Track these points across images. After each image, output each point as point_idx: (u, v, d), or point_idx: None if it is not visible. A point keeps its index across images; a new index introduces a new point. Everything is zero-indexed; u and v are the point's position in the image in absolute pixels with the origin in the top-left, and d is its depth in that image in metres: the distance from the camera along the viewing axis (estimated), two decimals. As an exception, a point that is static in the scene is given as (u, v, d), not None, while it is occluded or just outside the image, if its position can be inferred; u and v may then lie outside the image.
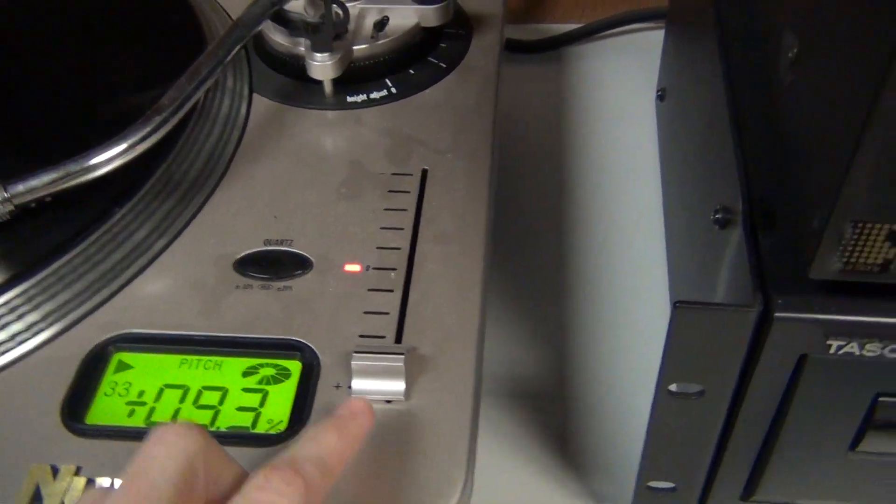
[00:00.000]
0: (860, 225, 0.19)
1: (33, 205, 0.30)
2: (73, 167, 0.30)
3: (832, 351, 0.22)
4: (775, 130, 0.25)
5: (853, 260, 0.20)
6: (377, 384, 0.27)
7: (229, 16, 0.42)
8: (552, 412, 0.36)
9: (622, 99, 0.52)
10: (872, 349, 0.22)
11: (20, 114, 0.35)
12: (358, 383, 0.27)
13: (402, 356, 0.27)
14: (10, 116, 0.35)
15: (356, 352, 0.27)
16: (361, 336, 0.29)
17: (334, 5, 0.35)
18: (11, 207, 0.29)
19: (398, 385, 0.27)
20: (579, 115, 0.51)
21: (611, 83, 0.53)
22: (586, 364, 0.38)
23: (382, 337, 0.29)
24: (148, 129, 0.31)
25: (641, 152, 0.48)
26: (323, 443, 0.23)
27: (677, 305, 0.22)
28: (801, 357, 0.23)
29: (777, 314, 0.22)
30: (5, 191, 0.29)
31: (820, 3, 0.22)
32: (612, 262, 0.42)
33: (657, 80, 0.49)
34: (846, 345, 0.22)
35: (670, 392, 0.25)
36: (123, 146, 0.30)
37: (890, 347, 0.22)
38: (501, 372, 0.38)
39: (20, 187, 0.29)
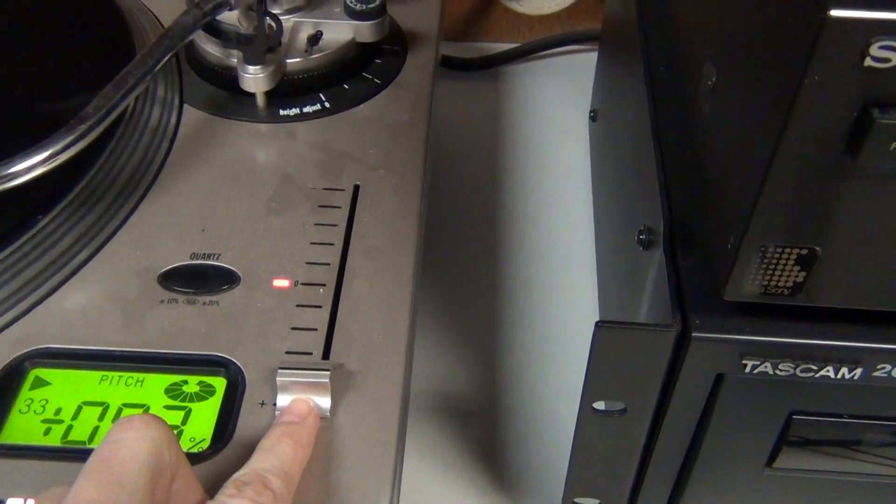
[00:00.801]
0: (770, 249, 0.20)
1: (-51, 213, 0.29)
2: (-8, 175, 0.29)
3: (747, 370, 0.23)
4: (694, 155, 0.26)
5: (765, 283, 0.21)
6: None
7: (161, 24, 0.41)
8: (481, 427, 0.37)
9: (556, 118, 0.53)
10: (785, 369, 0.23)
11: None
12: (283, 399, 0.27)
13: (328, 372, 0.27)
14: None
15: (281, 368, 0.27)
16: (288, 353, 0.28)
17: (267, 18, 0.35)
18: (-76, 216, 0.28)
19: (324, 401, 0.27)
20: (514, 133, 0.52)
21: (545, 102, 0.54)
22: (516, 380, 0.39)
23: (310, 353, 0.28)
24: (71, 137, 0.30)
25: (574, 171, 0.48)
26: (281, 454, 0.24)
27: (598, 325, 0.23)
28: (719, 376, 0.24)
29: (694, 334, 0.23)
30: (-83, 199, 0.28)
31: (736, 35, 0.22)
32: (543, 279, 0.43)
33: (590, 100, 0.50)
34: (760, 364, 0.23)
35: (593, 409, 0.25)
36: (45, 154, 0.29)
37: (802, 367, 0.23)
38: (430, 387, 0.38)
39: (-66, 195, 0.28)
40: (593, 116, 0.47)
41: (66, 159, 0.30)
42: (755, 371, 0.23)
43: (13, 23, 0.39)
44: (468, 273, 0.43)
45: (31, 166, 0.29)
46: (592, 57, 0.56)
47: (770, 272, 0.20)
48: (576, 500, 0.29)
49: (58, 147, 0.30)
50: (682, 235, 0.25)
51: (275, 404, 0.27)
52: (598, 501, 0.29)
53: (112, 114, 0.31)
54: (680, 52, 0.29)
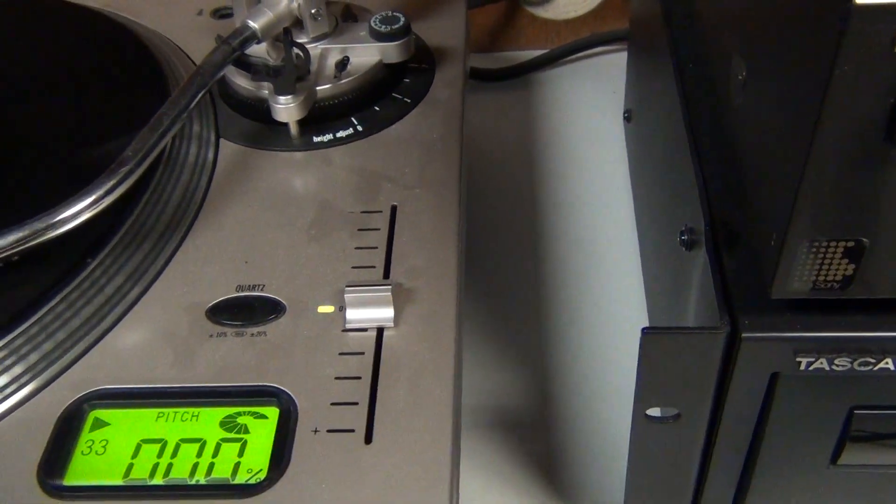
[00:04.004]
0: (816, 244, 0.20)
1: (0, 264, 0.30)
2: (38, 224, 0.29)
3: (802, 368, 0.23)
4: (730, 152, 0.26)
5: (813, 278, 0.20)
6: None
7: (193, 62, 0.42)
8: (533, 439, 0.36)
9: (590, 121, 0.52)
10: (842, 364, 0.23)
11: (25, 163, 0.35)
12: (351, 314, 0.30)
13: (390, 287, 0.29)
14: (19, 164, 0.35)
15: (348, 285, 0.30)
16: (337, 378, 0.28)
17: (294, 48, 0.36)
18: (-23, 269, 0.29)
19: (387, 312, 0.29)
20: (548, 138, 0.51)
21: (578, 106, 0.53)
22: (565, 389, 0.38)
23: (358, 378, 0.28)
24: (113, 181, 0.30)
25: (612, 173, 0.48)
26: None
27: (645, 332, 0.22)
28: (773, 375, 0.23)
29: (744, 335, 0.22)
30: (-30, 253, 0.29)
31: (764, 28, 0.22)
32: (587, 284, 0.42)
33: (623, 101, 0.49)
34: (815, 361, 0.22)
35: (647, 417, 0.25)
36: (89, 200, 0.30)
37: (859, 361, 0.22)
38: (479, 403, 0.38)
39: (-15, 248, 0.29)
40: (627, 117, 0.47)
41: (109, 203, 0.30)
42: (811, 368, 0.22)
43: (46, 71, 0.40)
44: (511, 284, 0.43)
45: (76, 212, 0.30)
46: (622, 57, 0.55)
47: (818, 267, 0.20)
48: (636, 508, 0.29)
49: (101, 192, 0.30)
50: (725, 234, 0.25)
51: (328, 431, 0.27)
52: (660, 508, 0.29)
53: (150, 156, 0.32)
54: (707, 47, 0.29)
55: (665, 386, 0.24)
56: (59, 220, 0.30)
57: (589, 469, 0.35)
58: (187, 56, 0.43)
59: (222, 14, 0.46)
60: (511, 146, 0.51)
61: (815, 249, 0.20)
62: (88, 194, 0.30)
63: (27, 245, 0.29)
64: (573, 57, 0.56)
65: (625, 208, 0.46)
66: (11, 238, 0.29)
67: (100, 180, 0.30)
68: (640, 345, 0.23)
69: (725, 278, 0.23)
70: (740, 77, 0.24)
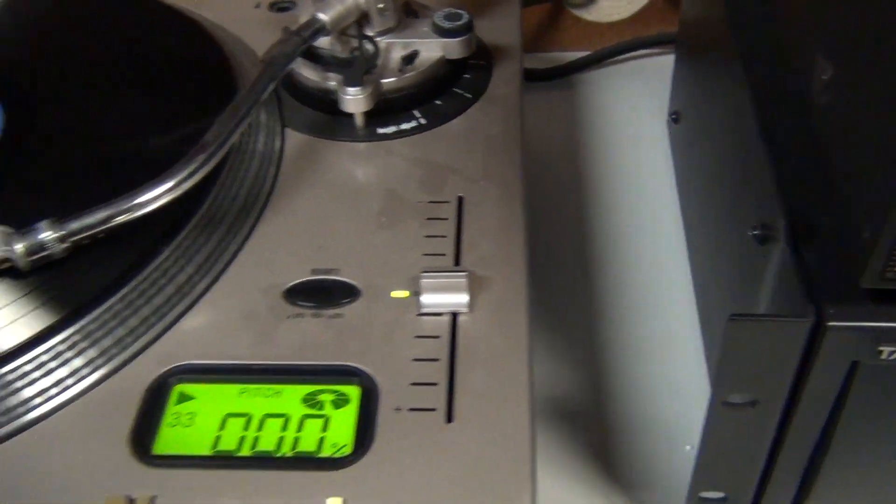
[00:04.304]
0: (914, 235, 0.20)
1: (86, 242, 0.31)
2: (124, 204, 0.30)
3: (883, 357, 0.23)
4: (811, 149, 0.27)
5: (906, 268, 0.21)
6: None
7: (254, 53, 0.43)
8: (592, 430, 0.37)
9: (632, 121, 0.53)
10: (921, 354, 0.23)
11: (64, 158, 0.36)
12: (426, 299, 0.30)
13: (466, 273, 0.30)
14: (55, 161, 0.36)
15: (424, 271, 0.31)
16: (415, 360, 0.29)
17: (365, 41, 0.37)
18: (67, 245, 0.30)
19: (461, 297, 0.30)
20: (592, 137, 0.52)
21: (620, 106, 0.54)
22: (618, 382, 0.39)
23: (436, 360, 0.29)
24: (194, 165, 0.31)
25: (655, 172, 0.49)
26: None
27: (732, 319, 0.23)
28: (853, 364, 0.24)
29: (830, 323, 0.23)
30: (62, 228, 0.30)
31: (855, 29, 0.23)
32: (636, 279, 0.43)
33: (668, 103, 0.50)
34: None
35: (724, 403, 0.26)
36: (171, 183, 0.31)
37: (937, 352, 0.23)
38: (538, 393, 0.39)
39: (75, 225, 0.30)
40: (675, 118, 0.47)
41: (191, 185, 0.31)
42: (892, 357, 0.23)
43: (120, 61, 0.41)
44: (559, 278, 0.44)
45: (160, 194, 0.31)
46: (663, 60, 0.56)
47: (912, 257, 0.21)
48: (702, 493, 0.30)
49: (183, 174, 0.31)
50: (804, 229, 0.26)
51: (409, 409, 0.28)
52: (724, 495, 0.30)
53: (230, 140, 0.33)
54: (781, 49, 0.30)
55: (745, 373, 0.25)
56: (145, 201, 0.30)
57: (642, 457, 0.36)
58: (249, 47, 0.44)
59: (280, 7, 0.47)
60: (555, 143, 0.52)
61: (910, 240, 0.20)
62: (171, 177, 0.31)
63: (114, 223, 0.30)
64: (616, 59, 0.57)
65: (668, 206, 0.47)
66: (100, 216, 0.30)
67: (181, 164, 0.31)
68: (725, 331, 0.24)
69: (808, 270, 0.24)
70: (824, 77, 0.25)
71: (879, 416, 0.26)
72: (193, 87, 0.39)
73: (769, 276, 0.27)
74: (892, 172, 0.20)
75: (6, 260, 0.29)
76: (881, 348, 0.23)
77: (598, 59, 0.57)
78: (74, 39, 0.42)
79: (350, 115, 0.38)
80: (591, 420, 0.38)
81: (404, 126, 0.39)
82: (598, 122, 0.53)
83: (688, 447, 0.36)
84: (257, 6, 0.47)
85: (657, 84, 0.54)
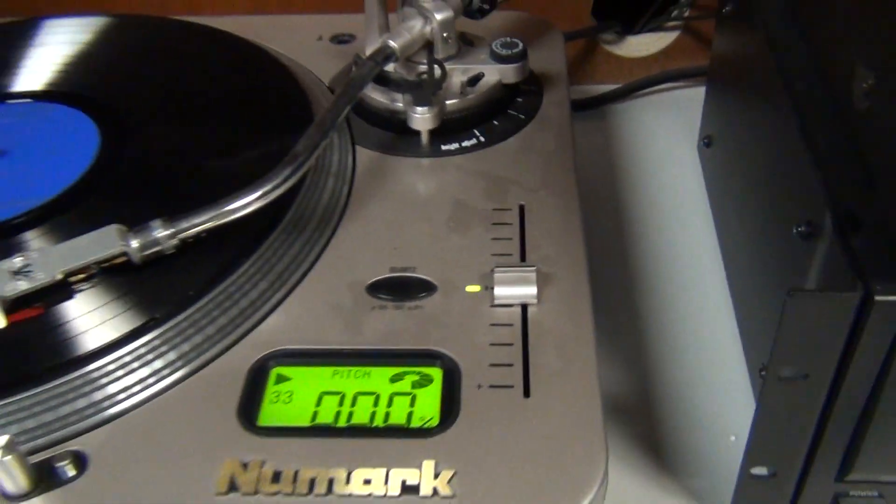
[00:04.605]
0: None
1: (191, 240, 0.34)
2: (227, 205, 0.34)
3: (924, 329, 0.26)
4: (852, 151, 0.30)
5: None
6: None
7: (321, 80, 0.47)
8: (642, 424, 0.40)
9: (662, 147, 0.56)
10: (956, 327, 0.26)
11: (153, 173, 0.39)
12: (499, 291, 0.33)
13: (534, 268, 0.34)
14: (164, 174, 0.39)
15: (497, 266, 0.34)
16: (491, 344, 0.32)
17: (435, 65, 0.40)
18: (176, 241, 0.33)
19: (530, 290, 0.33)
20: (626, 163, 0.56)
21: (650, 134, 0.58)
22: (665, 380, 0.42)
23: (510, 344, 0.32)
24: (289, 170, 0.35)
25: (688, 191, 0.52)
26: None
27: (791, 294, 0.26)
28: (895, 338, 0.27)
29: (877, 298, 0.26)
30: (172, 226, 0.33)
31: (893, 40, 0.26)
32: (676, 288, 0.46)
33: (699, 129, 0.54)
34: (936, 322, 0.26)
35: (779, 378, 0.29)
36: (269, 186, 0.34)
37: (972, 325, 0.26)
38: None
39: (184, 223, 0.33)
40: (707, 143, 0.51)
41: (285, 189, 0.35)
42: (931, 329, 0.26)
43: (206, 90, 0.45)
44: (605, 290, 0.47)
45: (260, 196, 0.34)
46: (689, 92, 0.60)
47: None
48: (753, 470, 0.32)
49: (279, 179, 0.34)
50: (848, 221, 0.29)
51: (490, 386, 0.31)
52: (774, 471, 0.32)
53: (318, 149, 0.36)
54: (820, 63, 0.33)
55: (799, 347, 0.28)
56: (247, 203, 0.34)
57: (691, 449, 0.39)
58: (315, 74, 0.47)
59: (340, 40, 0.51)
60: (592, 166, 0.55)
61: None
62: (269, 181, 0.34)
63: (220, 222, 0.33)
64: (644, 91, 0.61)
65: (701, 219, 0.50)
66: (207, 215, 0.33)
67: (278, 169, 0.35)
68: (784, 307, 0.26)
69: (855, 254, 0.27)
70: (865, 85, 0.28)
71: (920, 388, 0.28)
72: (270, 110, 0.43)
73: (815, 266, 0.30)
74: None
75: (123, 254, 0.33)
76: (922, 320, 0.26)
77: (629, 92, 0.61)
78: (165, 69, 0.46)
79: (415, 133, 0.42)
80: (641, 415, 0.40)
81: (465, 143, 0.42)
82: (631, 148, 0.57)
83: (732, 438, 0.39)
84: (319, 39, 0.51)
85: (684, 114, 0.58)
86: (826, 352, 0.28)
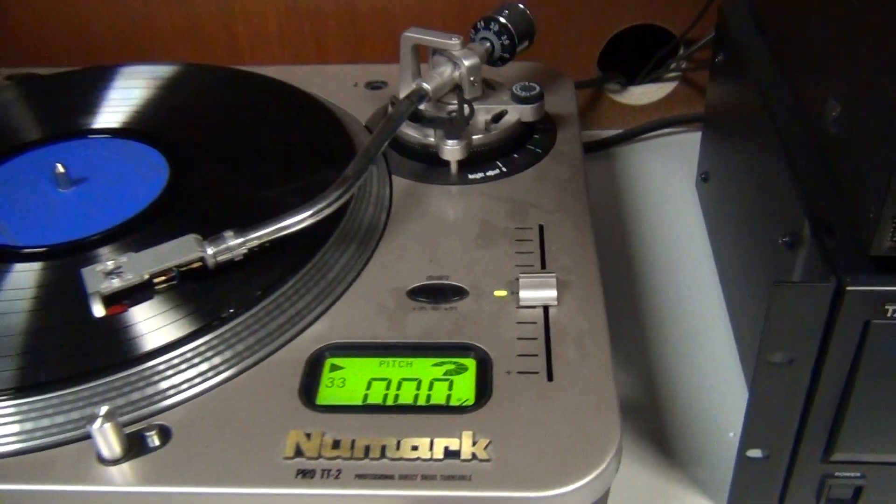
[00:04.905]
0: (902, 211, 0.29)
1: (257, 249, 0.39)
2: (291, 218, 0.39)
3: (889, 315, 0.31)
4: (825, 170, 0.35)
5: (899, 239, 0.29)
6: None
7: (359, 121, 0.52)
8: (649, 421, 0.44)
9: (663, 186, 0.62)
10: (920, 313, 0.31)
11: (229, 200, 0.45)
12: (524, 294, 0.38)
13: (555, 274, 0.38)
14: (223, 202, 0.44)
15: (521, 273, 0.39)
16: (518, 338, 0.37)
17: (464, 104, 0.46)
18: (245, 250, 0.38)
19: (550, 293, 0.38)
20: (629, 197, 0.61)
21: (651, 174, 0.63)
22: (669, 387, 0.46)
23: (535, 339, 0.37)
24: (342, 189, 0.40)
25: (688, 223, 0.57)
26: None
27: (775, 285, 0.31)
28: (866, 324, 0.32)
29: (848, 288, 0.31)
30: (243, 235, 0.38)
31: (857, 79, 0.32)
32: (676, 304, 0.51)
33: (697, 167, 0.59)
34: (899, 308, 0.31)
35: (768, 363, 0.33)
36: (324, 203, 0.39)
37: (932, 312, 0.31)
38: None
39: (252, 234, 0.38)
40: (704, 178, 0.56)
41: (339, 205, 0.40)
42: (895, 315, 0.31)
43: (259, 130, 0.50)
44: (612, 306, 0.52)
45: (317, 211, 0.39)
46: (686, 136, 0.66)
47: (903, 229, 0.29)
48: (748, 453, 0.37)
49: (334, 197, 0.40)
50: (823, 227, 0.34)
51: (519, 373, 0.35)
52: (768, 453, 0.36)
53: (364, 173, 0.41)
54: (799, 98, 0.39)
55: (784, 334, 0.32)
56: (306, 216, 0.39)
57: (692, 444, 0.43)
58: (353, 115, 0.53)
59: (373, 86, 0.57)
60: (598, 203, 0.60)
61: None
62: (323, 199, 0.39)
63: (284, 233, 0.38)
64: (646, 136, 0.67)
65: (698, 245, 0.55)
66: (273, 227, 0.38)
67: (332, 188, 0.40)
68: (770, 296, 0.31)
69: (828, 253, 0.32)
70: (834, 113, 0.33)
71: (891, 372, 0.33)
72: (316, 146, 0.48)
73: (798, 270, 0.35)
74: (885, 169, 0.28)
75: (200, 259, 0.38)
76: (888, 307, 0.31)
77: (632, 136, 0.66)
78: (224, 110, 0.52)
79: (445, 164, 0.47)
80: (646, 414, 0.45)
81: (489, 173, 0.47)
82: (635, 185, 0.62)
83: (731, 434, 0.43)
84: (355, 85, 0.57)
85: (682, 156, 0.63)
86: (808, 338, 0.33)
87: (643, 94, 0.68)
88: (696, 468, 0.42)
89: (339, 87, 0.56)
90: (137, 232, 0.42)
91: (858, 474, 0.37)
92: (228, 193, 0.45)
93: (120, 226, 0.42)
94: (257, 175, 0.46)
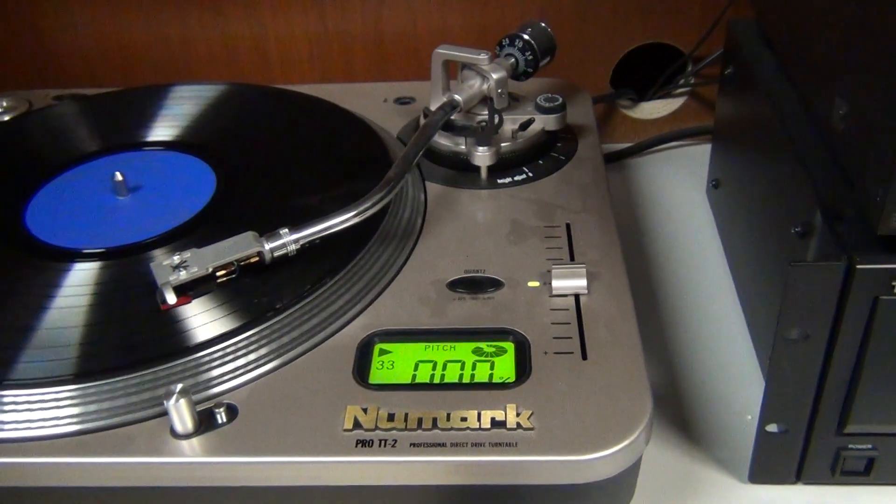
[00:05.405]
0: (907, 192, 0.32)
1: (308, 246, 0.42)
2: (339, 217, 0.42)
3: (896, 291, 0.34)
4: (834, 166, 0.38)
5: (904, 218, 0.32)
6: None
7: (398, 138, 0.56)
8: (673, 406, 0.47)
9: (674, 195, 0.65)
10: (923, 290, 0.34)
11: (273, 207, 0.48)
12: (556, 283, 0.41)
13: (584, 265, 0.41)
14: (267, 209, 0.48)
15: (554, 265, 0.42)
16: (553, 323, 0.40)
17: (495, 113, 0.49)
18: (298, 246, 0.41)
19: (581, 282, 0.41)
20: (644, 204, 0.64)
21: (663, 184, 0.66)
22: (690, 377, 0.49)
23: (568, 323, 0.40)
24: (386, 190, 0.43)
25: (700, 227, 0.60)
26: None
27: (791, 265, 0.34)
28: (875, 300, 0.35)
29: (858, 266, 0.34)
30: (297, 232, 0.41)
31: (864, 81, 0.35)
32: (691, 300, 0.54)
33: (707, 175, 0.62)
34: (905, 285, 0.34)
35: (785, 339, 0.36)
36: (370, 202, 0.42)
37: (934, 289, 0.34)
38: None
39: (305, 231, 0.41)
40: (715, 185, 0.60)
41: (383, 204, 0.43)
42: (902, 291, 0.34)
43: (303, 143, 0.54)
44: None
45: (364, 209, 0.42)
46: (696, 149, 0.70)
47: (908, 209, 0.32)
48: (767, 427, 0.39)
49: (379, 196, 0.43)
50: (834, 214, 0.37)
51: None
52: (786, 428, 0.39)
53: (405, 176, 0.45)
54: (806, 99, 0.42)
55: (800, 310, 0.35)
56: (354, 214, 0.42)
57: (714, 427, 0.46)
58: (385, 129, 0.56)
59: (402, 101, 0.60)
60: (614, 211, 0.64)
61: (906, 196, 0.32)
62: (370, 198, 0.43)
63: (334, 230, 0.42)
64: (657, 148, 0.70)
65: (711, 247, 0.58)
66: (325, 224, 0.41)
67: (376, 190, 0.43)
68: (787, 276, 0.34)
69: (839, 236, 0.35)
70: (841, 111, 0.37)
71: (898, 345, 0.36)
72: (353, 156, 0.51)
73: (810, 255, 0.38)
74: (890, 153, 0.32)
75: (258, 254, 0.41)
76: (894, 283, 0.34)
77: (644, 148, 0.70)
78: (268, 124, 0.55)
79: (475, 170, 0.50)
80: (670, 401, 0.47)
81: (517, 178, 0.51)
82: (648, 194, 0.65)
83: (748, 417, 0.46)
84: (385, 101, 0.61)
85: (692, 167, 0.67)
86: (822, 315, 0.36)
87: (654, 109, 0.71)
88: (718, 448, 0.45)
89: (370, 102, 0.60)
90: (187, 236, 0.45)
91: (870, 446, 0.40)
92: (272, 201, 0.48)
93: (172, 230, 0.46)
94: (298, 183, 0.49)
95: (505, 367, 0.38)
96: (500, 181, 0.50)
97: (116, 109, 0.57)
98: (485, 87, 0.51)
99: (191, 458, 0.35)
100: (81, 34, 0.68)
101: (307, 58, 0.68)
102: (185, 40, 0.68)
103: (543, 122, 0.52)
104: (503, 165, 0.51)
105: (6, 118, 0.59)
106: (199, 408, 0.36)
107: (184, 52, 0.68)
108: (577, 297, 0.41)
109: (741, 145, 0.53)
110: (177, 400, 0.35)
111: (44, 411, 0.36)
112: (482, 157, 0.49)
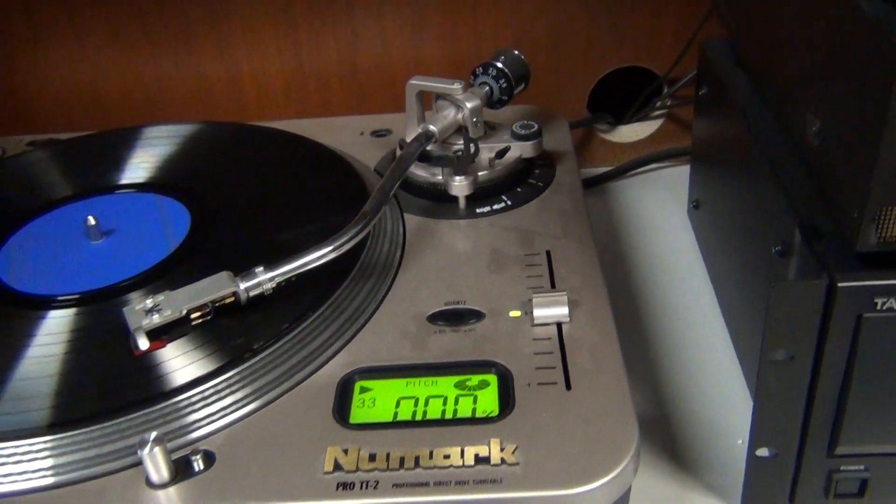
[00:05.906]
0: (884, 209, 0.31)
1: (284, 284, 0.41)
2: (315, 253, 0.41)
3: (879, 308, 0.34)
4: (810, 183, 0.38)
5: (883, 235, 0.32)
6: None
7: (375, 170, 0.55)
8: (662, 432, 0.46)
9: (654, 217, 0.65)
10: (907, 305, 0.34)
11: (249, 245, 0.47)
12: (538, 312, 0.40)
13: (565, 292, 0.40)
14: (242, 247, 0.47)
15: (535, 294, 0.41)
16: (535, 353, 0.39)
17: (471, 142, 0.49)
18: (273, 285, 0.41)
19: (563, 310, 0.40)
20: (624, 227, 0.64)
21: (643, 206, 0.66)
22: (676, 401, 0.48)
23: (551, 353, 0.39)
24: (361, 225, 0.43)
25: (681, 248, 0.60)
26: None
27: (772, 286, 0.34)
28: (858, 317, 0.34)
29: (839, 284, 0.33)
30: (272, 270, 0.40)
31: (835, 96, 0.35)
32: (676, 322, 0.53)
33: (688, 196, 0.62)
34: (887, 301, 0.33)
35: (771, 361, 0.36)
36: (345, 238, 0.42)
37: (917, 304, 0.34)
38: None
39: (280, 269, 0.41)
40: (695, 206, 0.59)
41: (359, 239, 0.42)
42: (885, 307, 0.34)
43: (277, 176, 0.53)
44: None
45: (340, 244, 0.42)
46: (674, 170, 0.70)
47: (886, 226, 0.32)
48: (757, 452, 0.39)
49: (354, 231, 0.42)
50: (812, 233, 0.36)
51: (538, 384, 0.38)
52: (776, 452, 0.38)
53: (380, 210, 0.44)
54: (781, 117, 0.42)
55: (783, 331, 0.35)
56: (331, 249, 0.41)
57: (704, 452, 0.45)
58: (362, 161, 0.56)
59: (378, 134, 0.60)
60: (595, 236, 0.63)
61: (884, 213, 0.31)
62: (346, 233, 0.42)
63: (310, 266, 0.41)
64: (636, 171, 0.70)
65: (694, 266, 0.57)
66: (300, 262, 0.41)
67: (352, 225, 0.43)
68: (769, 297, 0.34)
69: (819, 254, 0.35)
70: (814, 128, 0.36)
71: (886, 364, 0.35)
72: (330, 190, 0.51)
73: (791, 275, 0.38)
74: (865, 170, 0.31)
75: (233, 294, 0.40)
76: (877, 300, 0.34)
77: (623, 172, 0.70)
78: (241, 162, 0.55)
79: (453, 200, 0.50)
80: (658, 426, 0.47)
81: (495, 206, 0.50)
82: (628, 217, 0.65)
83: (739, 441, 0.45)
84: (361, 134, 0.60)
85: (672, 187, 0.66)
86: (807, 335, 0.35)
87: (632, 132, 0.71)
88: (709, 474, 0.44)
89: (346, 136, 0.60)
90: (162, 278, 0.44)
91: (863, 467, 0.39)
92: (248, 238, 0.48)
93: (145, 272, 0.45)
94: (275, 220, 0.49)
95: (488, 401, 0.37)
96: (478, 210, 0.50)
97: (90, 153, 0.56)
98: (459, 116, 0.51)
99: (167, 508, 0.34)
100: (54, 79, 0.67)
101: (283, 93, 0.68)
102: (160, 80, 0.67)
103: (520, 150, 0.52)
104: (481, 194, 0.50)
105: (-22, 166, 0.59)
106: (175, 455, 0.35)
107: (158, 92, 0.68)
108: (559, 325, 0.41)
109: (719, 165, 0.53)
110: (151, 449, 0.34)
111: (13, 465, 0.35)
112: (459, 186, 0.49)
